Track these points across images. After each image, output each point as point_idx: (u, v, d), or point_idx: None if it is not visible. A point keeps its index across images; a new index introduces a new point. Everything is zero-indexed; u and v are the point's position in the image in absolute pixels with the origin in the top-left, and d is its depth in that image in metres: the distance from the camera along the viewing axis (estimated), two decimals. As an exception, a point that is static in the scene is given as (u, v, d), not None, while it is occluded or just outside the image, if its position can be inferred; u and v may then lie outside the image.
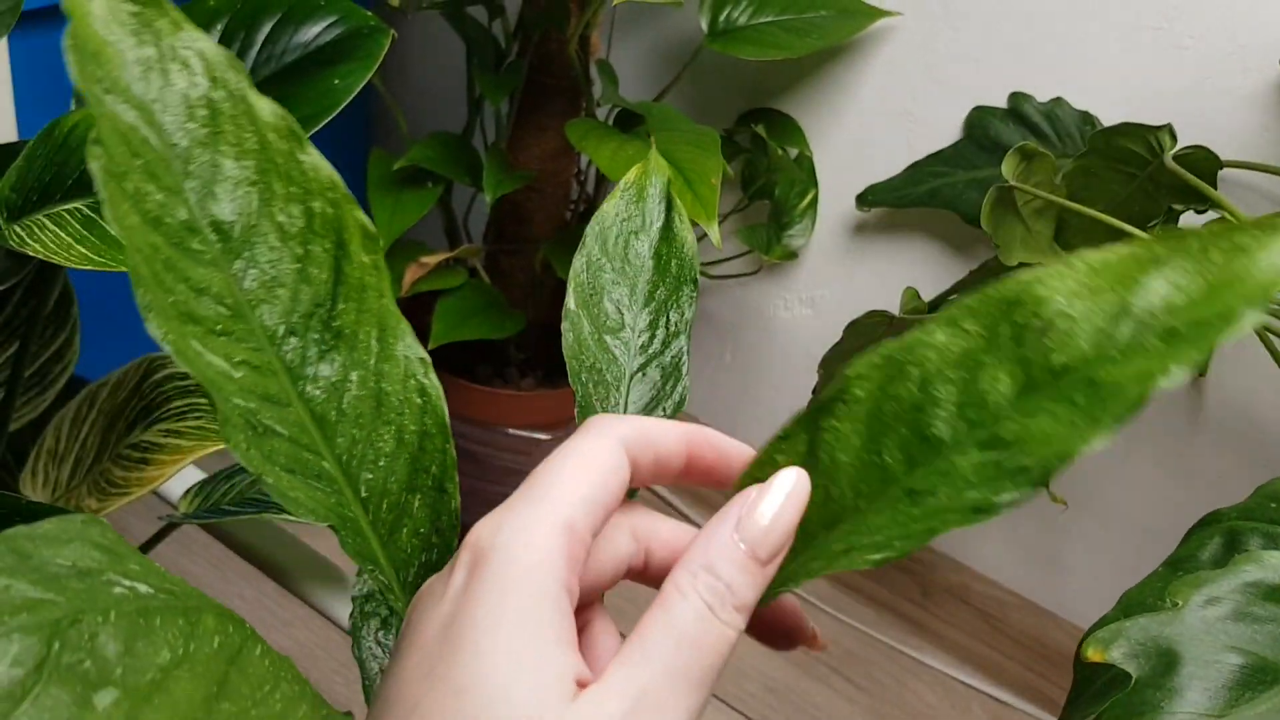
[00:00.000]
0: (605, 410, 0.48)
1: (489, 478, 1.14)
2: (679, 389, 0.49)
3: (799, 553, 0.35)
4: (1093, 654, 0.49)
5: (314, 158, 0.38)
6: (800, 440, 0.36)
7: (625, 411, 0.48)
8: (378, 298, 0.40)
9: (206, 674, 0.28)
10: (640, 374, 0.49)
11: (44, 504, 0.57)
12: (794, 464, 0.36)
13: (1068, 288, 0.32)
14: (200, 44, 0.36)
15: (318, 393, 0.37)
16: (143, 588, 0.27)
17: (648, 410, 0.49)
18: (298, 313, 0.37)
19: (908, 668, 1.20)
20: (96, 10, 0.35)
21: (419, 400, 0.41)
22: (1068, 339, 0.31)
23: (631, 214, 0.52)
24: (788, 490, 0.34)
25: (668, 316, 0.50)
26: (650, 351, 0.49)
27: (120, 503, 0.67)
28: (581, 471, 0.34)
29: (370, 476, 0.38)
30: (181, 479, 0.89)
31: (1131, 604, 0.57)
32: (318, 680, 0.99)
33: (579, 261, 0.50)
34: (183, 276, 0.34)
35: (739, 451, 0.37)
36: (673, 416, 0.48)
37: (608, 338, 0.48)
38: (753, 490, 0.35)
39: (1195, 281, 0.30)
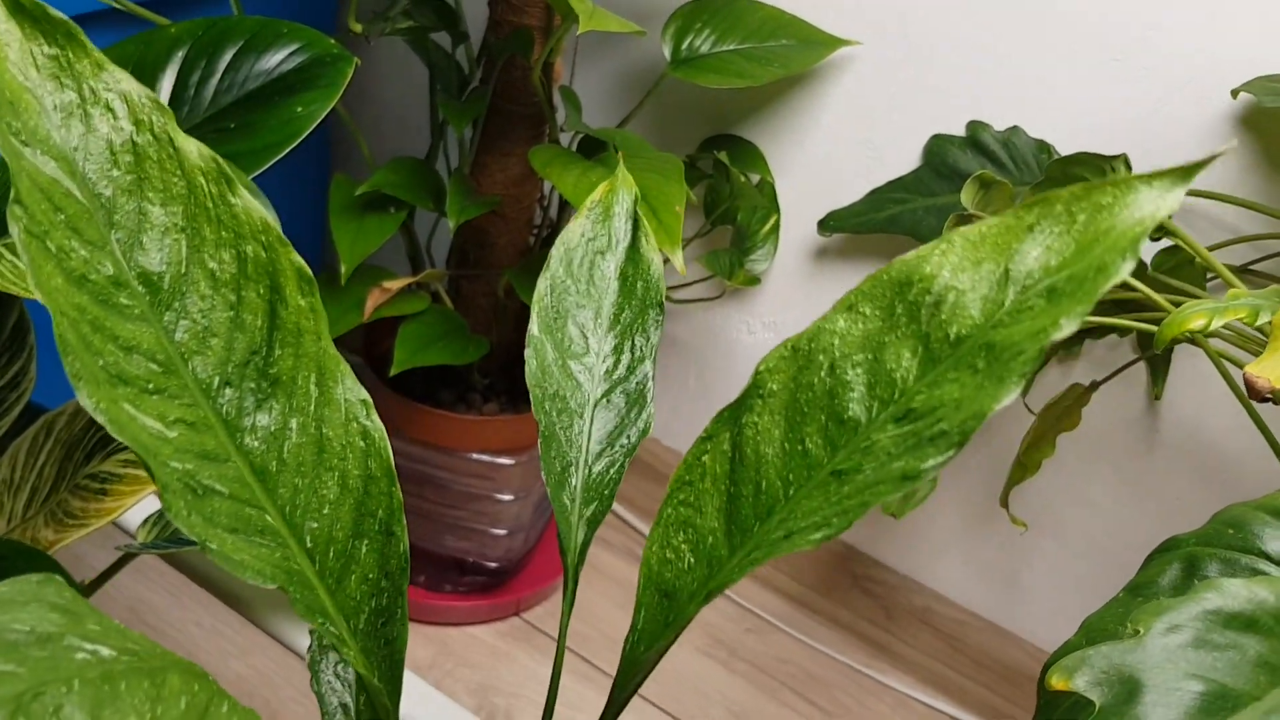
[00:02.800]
0: (569, 438, 0.47)
1: (451, 503, 1.14)
2: (644, 416, 0.48)
3: (738, 549, 0.36)
4: (1057, 682, 0.49)
5: (245, 200, 0.38)
6: (724, 439, 0.37)
7: (589, 439, 0.48)
8: (315, 341, 0.40)
9: None
10: (605, 400, 0.48)
11: (2, 537, 0.56)
12: (720, 463, 0.37)
13: (952, 262, 0.34)
14: (124, 84, 0.36)
15: (256, 444, 0.37)
16: (105, 650, 0.27)
17: (611, 439, 0.48)
18: (232, 362, 0.37)
19: (870, 690, 1.20)
20: (12, 55, 0.34)
21: (362, 444, 0.41)
22: (959, 310, 0.33)
23: (598, 233, 0.50)
24: None
25: (633, 341, 0.49)
26: (615, 377, 0.48)
27: (78, 534, 0.67)
28: None
29: (315, 525, 0.38)
30: (139, 507, 0.89)
31: (1094, 630, 0.57)
32: (276, 709, 0.98)
33: (543, 284, 0.48)
34: (111, 336, 0.33)
35: None
36: (637, 444, 0.48)
37: (572, 363, 0.48)
38: None
39: (1065, 242, 0.32)
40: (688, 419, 1.31)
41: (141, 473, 0.70)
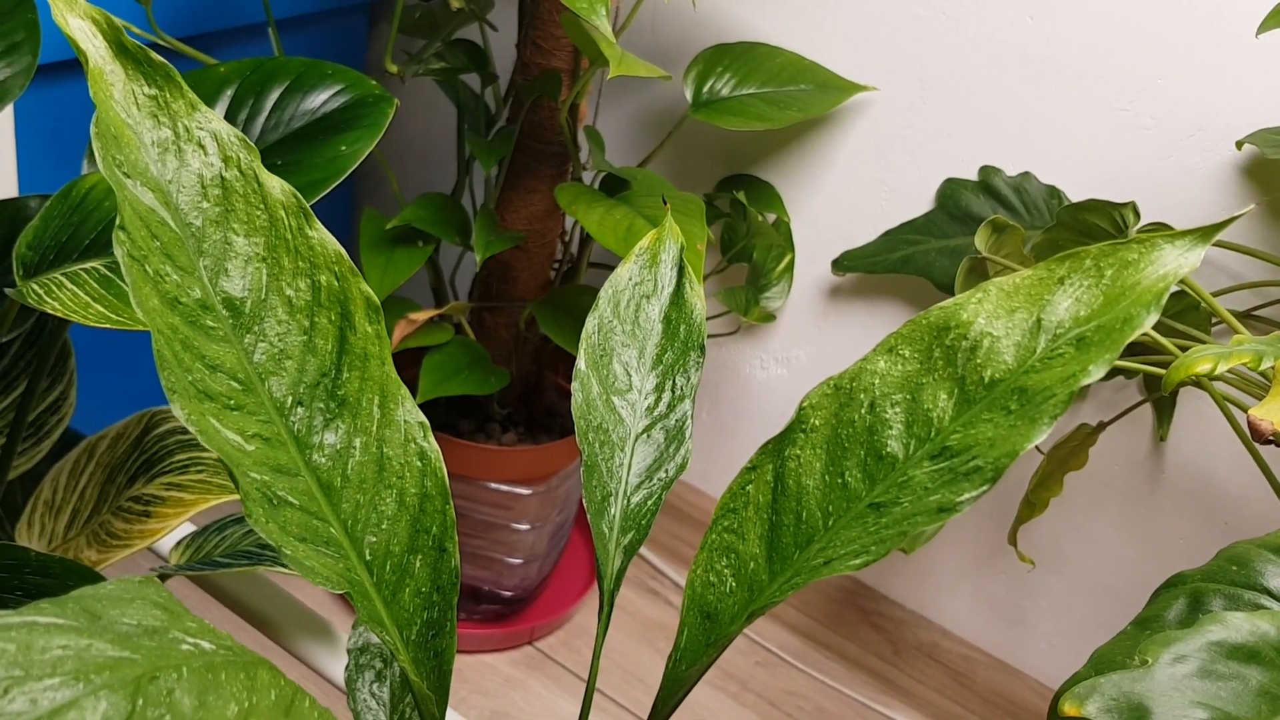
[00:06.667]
0: (610, 470, 0.50)
1: (471, 532, 1.16)
2: (682, 452, 0.50)
3: (778, 574, 0.38)
4: (1069, 709, 0.51)
5: (321, 233, 0.41)
6: (767, 470, 0.39)
7: (629, 471, 0.50)
8: (379, 365, 0.42)
9: None
10: (645, 435, 0.50)
11: (51, 556, 0.59)
12: (763, 492, 0.39)
13: (987, 310, 0.37)
14: (214, 124, 0.39)
15: (323, 460, 0.39)
16: (205, 644, 0.29)
17: (650, 472, 0.50)
18: (304, 383, 0.39)
19: (878, 723, 1.22)
20: (116, 94, 0.37)
21: (419, 464, 0.43)
22: (993, 355, 0.36)
23: (644, 278, 0.54)
24: None
25: (674, 380, 0.52)
26: (656, 414, 0.51)
27: (121, 554, 0.69)
28: None
29: (374, 540, 0.41)
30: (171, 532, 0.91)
31: (1102, 661, 0.59)
32: (298, 729, 1.00)
33: (591, 323, 0.51)
34: (199, 355, 0.36)
35: None
36: (674, 479, 0.50)
37: (615, 399, 0.50)
38: None
39: (1094, 294, 0.35)
40: (701, 452, 1.34)
41: (185, 495, 0.72)
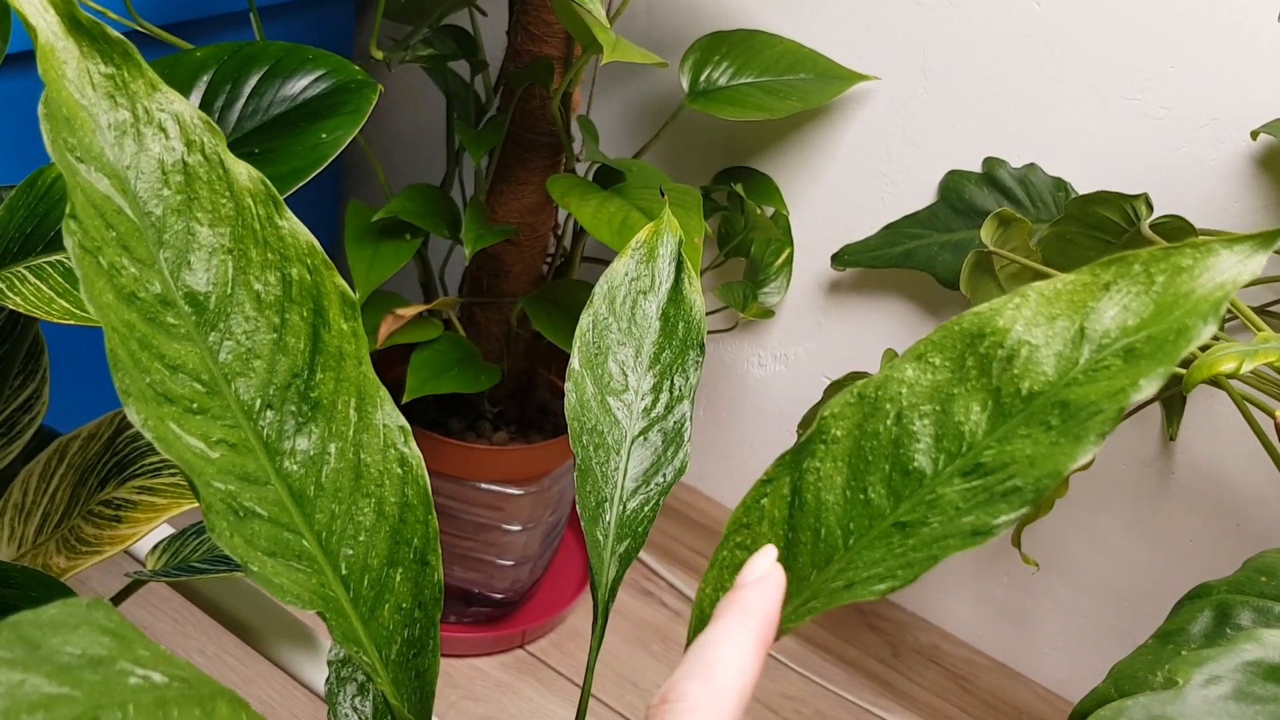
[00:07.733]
0: (605, 474, 0.47)
1: (461, 533, 1.13)
2: (680, 455, 0.48)
3: (793, 596, 0.35)
4: (1097, 732, 0.48)
5: (292, 223, 0.37)
6: (784, 483, 0.36)
7: (624, 476, 0.47)
8: (356, 365, 0.39)
9: None
10: (642, 438, 0.47)
11: (13, 565, 0.55)
12: (779, 507, 0.36)
13: (1025, 316, 0.33)
14: (176, 105, 0.36)
15: (295, 467, 0.36)
16: (156, 676, 0.26)
17: (647, 476, 0.47)
18: (274, 384, 0.36)
19: (878, 729, 1.19)
20: (69, 72, 0.34)
21: (399, 470, 0.40)
22: (1031, 365, 0.33)
23: (641, 273, 0.51)
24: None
25: (672, 380, 0.49)
26: (653, 415, 0.48)
27: (91, 561, 0.66)
28: None
29: (350, 552, 0.37)
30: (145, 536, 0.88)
31: (1122, 677, 0.57)
32: (282, 738, 0.97)
33: (585, 320, 0.48)
34: (158, 354, 0.33)
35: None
36: (673, 484, 0.48)
37: (610, 399, 0.47)
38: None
39: (1143, 302, 0.32)
40: (698, 451, 1.31)
41: (157, 500, 0.69)
